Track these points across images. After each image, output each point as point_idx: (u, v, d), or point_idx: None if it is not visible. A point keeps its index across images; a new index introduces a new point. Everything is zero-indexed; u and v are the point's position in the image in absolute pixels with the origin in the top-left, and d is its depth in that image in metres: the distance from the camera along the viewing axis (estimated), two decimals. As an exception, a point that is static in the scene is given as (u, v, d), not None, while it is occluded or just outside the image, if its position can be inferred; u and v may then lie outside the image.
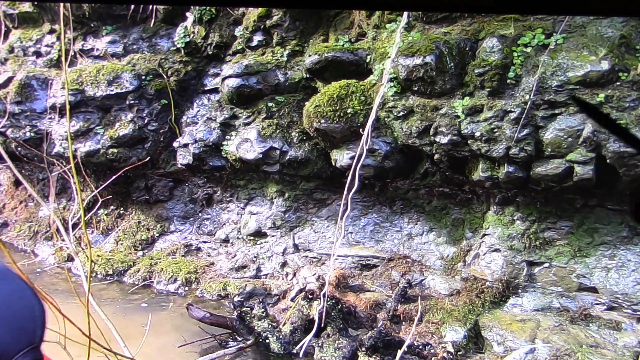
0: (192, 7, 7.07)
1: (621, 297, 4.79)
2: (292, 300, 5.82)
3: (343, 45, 6.07)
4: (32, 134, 7.56)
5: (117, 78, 7.21)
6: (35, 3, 7.85)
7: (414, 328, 4.94)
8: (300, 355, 4.95)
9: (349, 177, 4.96)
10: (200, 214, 7.62)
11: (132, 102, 7.25)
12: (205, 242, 7.35)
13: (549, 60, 4.67)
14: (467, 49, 5.11)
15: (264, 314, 5.24)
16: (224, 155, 6.87)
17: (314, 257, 6.53)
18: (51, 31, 8.09)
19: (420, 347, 4.79)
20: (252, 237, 6.97)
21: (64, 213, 7.88)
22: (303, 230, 6.72)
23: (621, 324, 4.74)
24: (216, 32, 7.06)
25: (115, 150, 7.27)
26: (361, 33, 6.18)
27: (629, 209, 4.68)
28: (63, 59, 7.36)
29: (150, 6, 7.37)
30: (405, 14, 5.36)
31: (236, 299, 5.81)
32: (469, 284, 5.52)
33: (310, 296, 5.40)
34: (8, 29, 8.42)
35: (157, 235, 7.64)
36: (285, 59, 6.60)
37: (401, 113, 5.40)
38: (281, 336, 5.10)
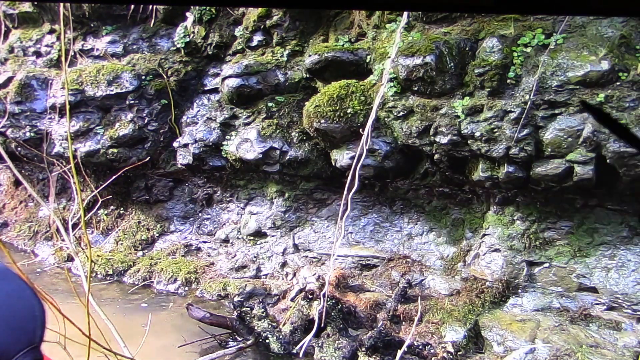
0: (192, 7, 7.06)
1: (621, 297, 4.79)
2: (292, 300, 5.82)
3: (343, 45, 6.07)
4: (32, 134, 7.56)
5: (117, 78, 7.21)
6: (35, 3, 7.85)
7: (414, 328, 4.94)
8: (300, 355, 4.95)
9: (349, 177, 4.97)
10: (200, 214, 7.62)
11: (132, 102, 7.25)
12: (205, 242, 7.35)
13: (549, 60, 4.67)
14: (467, 49, 5.11)
15: (264, 314, 5.24)
16: (224, 155, 6.87)
17: (314, 257, 6.53)
18: (51, 31, 8.09)
19: (420, 347, 4.79)
20: (252, 237, 6.97)
21: (64, 213, 7.88)
22: (303, 230, 6.72)
23: (621, 324, 4.74)
24: (216, 32, 7.06)
25: (115, 150, 7.27)
26: (361, 33, 6.18)
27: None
28: (63, 59, 7.36)
29: (150, 6, 7.37)
30: (405, 14, 5.36)
31: (236, 299, 5.81)
32: (469, 284, 5.52)
33: (310, 296, 5.40)
34: (8, 29, 8.42)
35: (157, 235, 7.64)
36: (285, 59, 6.60)
37: (401, 113, 5.40)
38: (281, 336, 5.10)
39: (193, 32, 7.20)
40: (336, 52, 5.93)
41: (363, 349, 4.69)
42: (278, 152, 6.39)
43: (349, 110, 5.61)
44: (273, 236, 6.84)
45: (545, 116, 4.68)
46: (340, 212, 5.07)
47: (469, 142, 5.04)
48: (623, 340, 4.57)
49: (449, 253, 5.88)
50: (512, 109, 4.79)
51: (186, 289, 6.59)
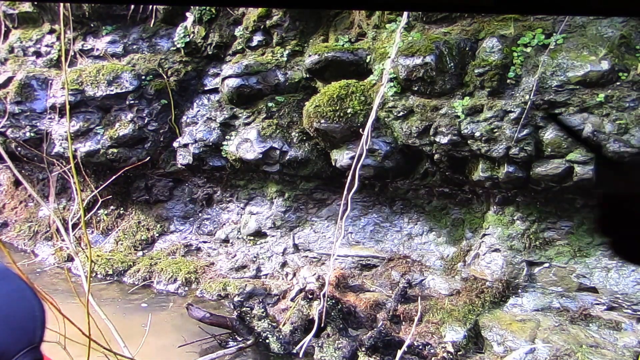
0: (192, 7, 7.06)
1: (621, 297, 4.79)
2: (292, 300, 5.82)
3: (343, 45, 6.07)
4: (32, 134, 7.56)
5: (117, 78, 7.21)
6: (35, 3, 7.85)
7: (414, 328, 4.94)
8: (300, 355, 4.95)
9: (349, 177, 4.97)
10: (200, 214, 7.62)
11: (132, 102, 7.25)
12: (205, 242, 7.35)
13: (549, 60, 4.67)
14: (467, 49, 5.11)
15: (264, 314, 5.24)
16: (224, 155, 6.87)
17: (314, 257, 6.53)
18: (51, 31, 8.09)
19: (420, 347, 4.79)
20: (252, 237, 6.97)
21: (64, 213, 7.88)
22: (303, 230, 6.72)
23: (621, 324, 4.74)
24: (216, 32, 7.06)
25: (115, 150, 7.26)
26: (361, 33, 6.18)
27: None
28: (63, 59, 7.36)
29: (150, 6, 7.37)
30: (405, 14, 5.36)
31: (236, 299, 5.81)
32: (469, 284, 5.52)
33: (310, 296, 5.40)
34: (8, 29, 8.42)
35: (157, 235, 7.64)
36: (285, 59, 6.60)
37: (401, 113, 5.40)
38: (281, 336, 5.10)
39: (193, 32, 7.20)
40: (336, 52, 5.93)
41: (363, 349, 4.69)
42: (278, 152, 6.39)
43: (349, 110, 5.61)
44: (273, 236, 6.84)
45: (545, 116, 4.68)
46: (340, 212, 5.07)
47: (469, 142, 5.04)
48: (623, 340, 4.57)
49: (449, 253, 5.88)
50: (512, 109, 4.79)
51: (186, 289, 6.59)
